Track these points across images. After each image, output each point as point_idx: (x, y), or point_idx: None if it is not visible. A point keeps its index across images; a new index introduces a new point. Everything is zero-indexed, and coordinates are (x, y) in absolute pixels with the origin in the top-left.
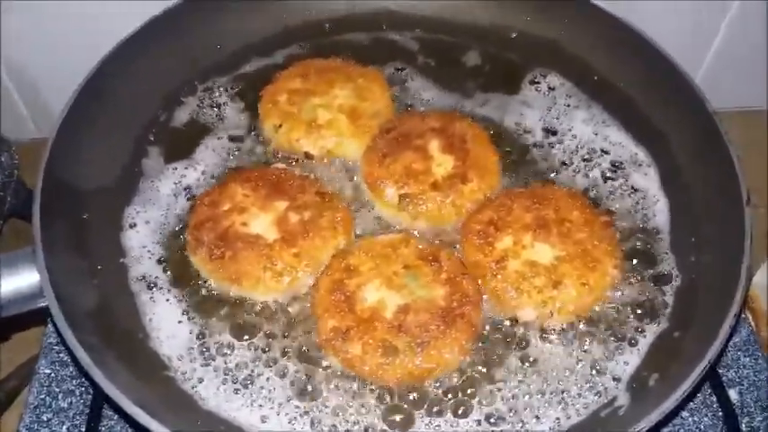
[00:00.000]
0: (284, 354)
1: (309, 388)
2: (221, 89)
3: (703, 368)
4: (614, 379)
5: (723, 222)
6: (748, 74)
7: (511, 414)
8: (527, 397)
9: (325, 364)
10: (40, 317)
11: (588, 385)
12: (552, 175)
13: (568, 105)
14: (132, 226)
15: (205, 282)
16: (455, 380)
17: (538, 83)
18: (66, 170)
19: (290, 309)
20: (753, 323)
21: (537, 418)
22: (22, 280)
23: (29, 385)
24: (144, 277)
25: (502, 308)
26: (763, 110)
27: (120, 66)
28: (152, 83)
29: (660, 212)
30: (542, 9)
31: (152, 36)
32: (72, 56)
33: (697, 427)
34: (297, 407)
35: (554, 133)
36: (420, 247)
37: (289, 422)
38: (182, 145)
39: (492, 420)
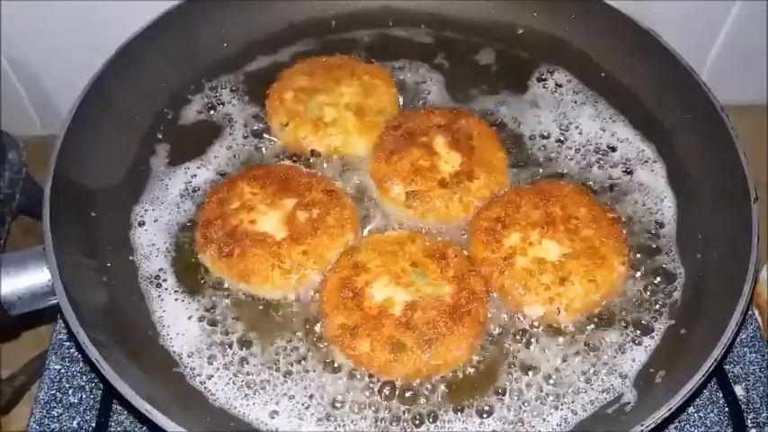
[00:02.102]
0: (292, 351)
1: (317, 385)
2: (228, 87)
3: (710, 366)
4: (621, 376)
5: (730, 219)
6: (752, 68)
7: (518, 410)
8: (534, 394)
9: (333, 360)
10: (51, 315)
11: (595, 382)
12: (559, 171)
13: (575, 102)
14: (141, 224)
15: (214, 279)
16: (462, 376)
17: (545, 79)
18: (75, 169)
19: (298, 306)
20: (759, 319)
21: (544, 414)
22: (33, 278)
23: (39, 381)
24: (153, 275)
25: (509, 305)
26: (764, 104)
27: (127, 64)
28: (159, 81)
29: (667, 209)
30: (548, 5)
31: (158, 34)
32: (77, 52)
33: (703, 423)
34: (305, 403)
35: (561, 129)
36: (427, 244)
37: (297, 418)
38: (189, 143)
39: (499, 417)
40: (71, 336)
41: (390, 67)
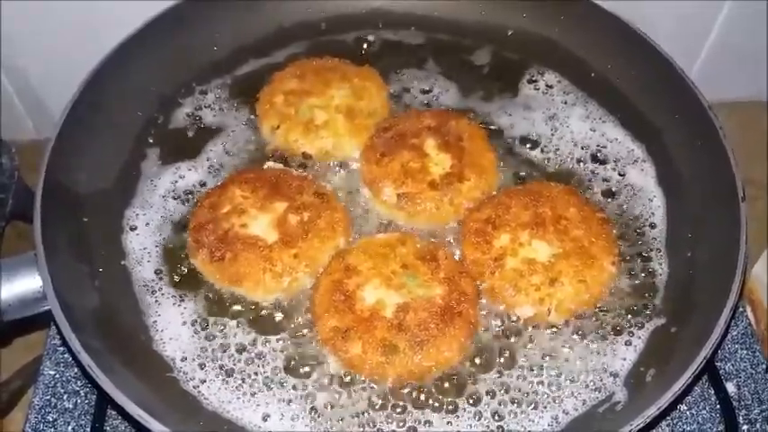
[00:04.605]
0: (284, 354)
1: (310, 387)
2: (218, 90)
3: (699, 364)
4: (612, 375)
5: (719, 218)
6: (747, 64)
7: (509, 411)
8: (525, 394)
9: (325, 363)
10: (44, 321)
11: (586, 381)
12: (549, 172)
13: (565, 103)
14: (132, 228)
15: (206, 283)
16: (453, 377)
17: (535, 81)
18: (67, 174)
19: (290, 309)
20: (751, 316)
21: (535, 414)
22: (25, 285)
23: (33, 386)
24: (145, 279)
25: (500, 305)
26: (762, 101)
27: (118, 68)
28: (149, 85)
29: (656, 208)
30: (538, 6)
31: (149, 38)
32: (70, 55)
33: (695, 420)
34: (298, 406)
35: (552, 131)
36: (418, 246)
37: (290, 420)
38: (180, 146)
39: (490, 417)
40: (64, 342)
41: (381, 69)
